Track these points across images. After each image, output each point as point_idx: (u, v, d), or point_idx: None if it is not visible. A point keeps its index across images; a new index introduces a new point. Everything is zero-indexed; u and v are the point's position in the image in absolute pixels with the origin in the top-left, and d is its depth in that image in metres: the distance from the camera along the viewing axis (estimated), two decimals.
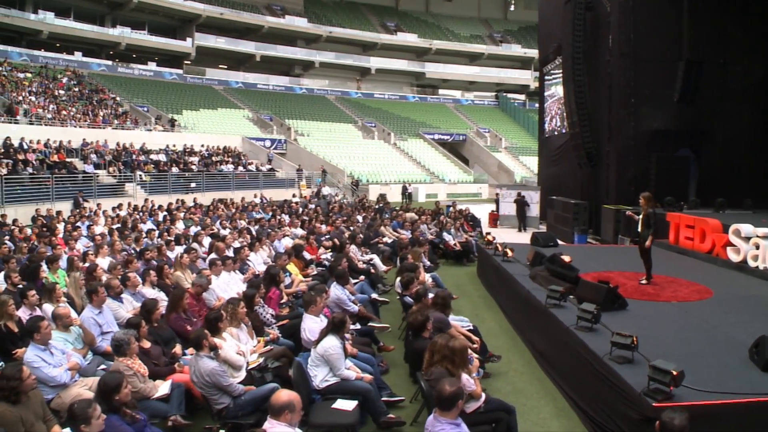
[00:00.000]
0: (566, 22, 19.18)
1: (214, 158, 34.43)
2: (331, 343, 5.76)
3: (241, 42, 50.45)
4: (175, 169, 30.23)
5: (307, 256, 11.77)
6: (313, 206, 24.60)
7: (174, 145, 33.71)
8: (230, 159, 35.48)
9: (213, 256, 10.93)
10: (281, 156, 40.16)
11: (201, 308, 7.88)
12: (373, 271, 11.25)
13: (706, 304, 8.27)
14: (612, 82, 17.81)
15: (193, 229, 15.64)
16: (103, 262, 10.79)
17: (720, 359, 5.80)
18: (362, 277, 10.36)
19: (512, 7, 64.08)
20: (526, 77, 59.98)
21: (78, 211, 19.55)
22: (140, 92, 41.01)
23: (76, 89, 36.10)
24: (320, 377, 5.74)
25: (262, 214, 20.43)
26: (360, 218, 19.83)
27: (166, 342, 6.71)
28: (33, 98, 31.48)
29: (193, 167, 31.52)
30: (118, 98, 38.13)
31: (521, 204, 23.36)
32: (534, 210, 23.87)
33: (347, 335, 7.03)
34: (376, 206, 24.99)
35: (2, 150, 24.01)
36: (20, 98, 30.63)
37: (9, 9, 36.78)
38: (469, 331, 7.11)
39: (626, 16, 17.09)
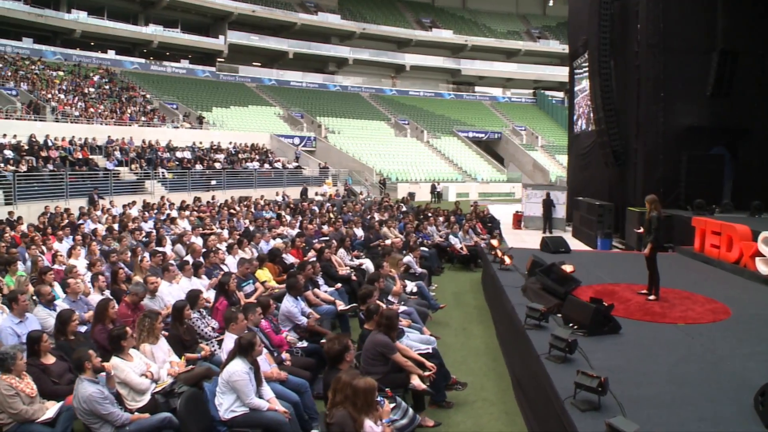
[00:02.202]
0: (593, 12, 17.89)
1: (240, 155, 34.12)
2: (237, 367, 4.98)
3: (273, 39, 50.17)
4: (198, 167, 29.98)
5: (290, 259, 10.98)
6: (331, 204, 23.89)
7: (200, 143, 33.52)
8: (256, 156, 35.11)
9: (188, 258, 10.28)
10: (309, 154, 39.62)
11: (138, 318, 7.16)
12: (354, 278, 10.31)
13: (719, 327, 7.05)
14: (640, 76, 16.45)
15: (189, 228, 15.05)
16: (77, 263, 10.29)
17: (716, 408, 4.65)
18: (339, 285, 9.48)
19: (551, 2, 62.00)
20: (565, 74, 57.51)
21: (88, 208, 19.29)
22: (171, 90, 41.09)
23: (107, 87, 36.32)
24: (225, 406, 4.98)
25: (270, 213, 19.74)
26: (377, 217, 18.90)
27: None
28: (62, 96, 31.70)
29: (217, 165, 31.22)
30: (147, 96, 38.24)
31: (548, 205, 22.09)
32: (560, 211, 22.59)
33: (285, 355, 6.23)
34: (402, 206, 24.00)
35: (26, 147, 24.10)
36: (49, 96, 30.86)
37: (43, 9, 37.32)
38: (427, 355, 6.14)
39: (655, 3, 15.71)
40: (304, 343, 6.82)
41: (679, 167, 15.73)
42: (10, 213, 17.03)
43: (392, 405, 4.64)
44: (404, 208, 23.35)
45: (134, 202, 21.15)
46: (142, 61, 43.48)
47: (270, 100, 47.30)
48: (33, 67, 34.15)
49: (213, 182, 28.79)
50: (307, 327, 7.18)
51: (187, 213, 18.34)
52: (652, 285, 8.45)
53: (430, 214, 19.92)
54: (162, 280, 8.43)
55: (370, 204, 25.35)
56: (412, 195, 38.03)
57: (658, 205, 8.80)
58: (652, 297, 8.32)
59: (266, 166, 34.39)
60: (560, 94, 59.68)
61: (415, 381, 5.57)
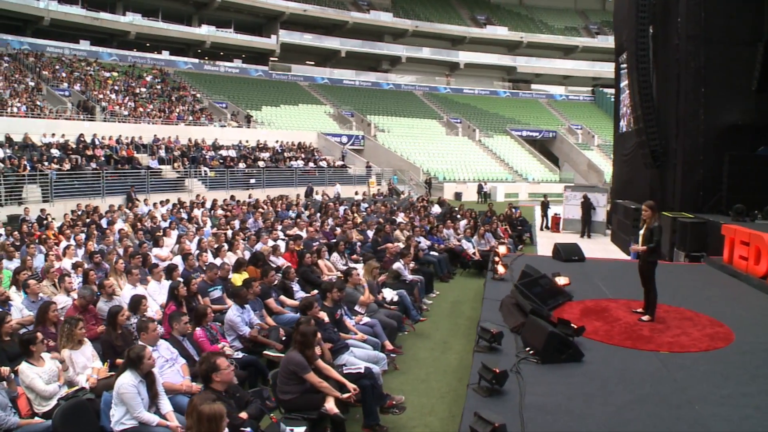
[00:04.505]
0: (632, 2, 16.70)
1: (285, 154, 34.24)
2: (124, 380, 4.72)
3: (325, 38, 50.28)
4: (242, 165, 30.22)
5: (280, 262, 10.62)
6: (367, 205, 23.48)
7: (247, 141, 33.84)
8: (302, 155, 35.16)
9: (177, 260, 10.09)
10: (357, 153, 39.38)
11: (88, 321, 6.96)
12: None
13: (709, 358, 6.10)
14: (680, 71, 15.17)
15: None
16: (67, 263, 10.32)
17: None
18: (315, 291, 9.01)
19: None
20: None
21: (118, 206, 19.65)
22: (222, 89, 41.74)
23: (158, 87, 37.27)
24: (116, 418, 4.75)
25: (294, 213, 19.52)
26: (400, 219, 18.31)
27: (12, 359, 5.86)
28: (113, 96, 32.71)
29: (261, 163, 31.38)
30: (198, 95, 39.01)
31: (587, 207, 20.98)
32: (600, 214, 21.41)
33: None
34: (431, 207, 23.34)
35: (73, 146, 24.93)
36: (101, 96, 31.90)
37: (99, 12, 38.72)
38: (357, 374, 5.59)
39: None
40: (240, 355, 6.41)
41: (720, 169, 14.39)
42: (42, 210, 17.50)
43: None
44: (435, 209, 22.70)
45: (167, 200, 21.39)
46: (196, 61, 44.43)
47: (321, 98, 47.41)
48: (88, 68, 35.41)
49: (252, 181, 28.89)
50: (249, 337, 6.77)
51: (203, 211, 18.35)
52: (647, 303, 7.56)
53: (459, 216, 19.25)
54: (152, 280, 8.53)
55: (404, 204, 24.81)
56: (458, 195, 37.38)
57: (658, 213, 7.85)
58: (645, 317, 7.44)
59: (311, 164, 34.37)
60: None
61: (329, 404, 5.07)
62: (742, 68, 14.11)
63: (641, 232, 7.53)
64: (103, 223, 15.72)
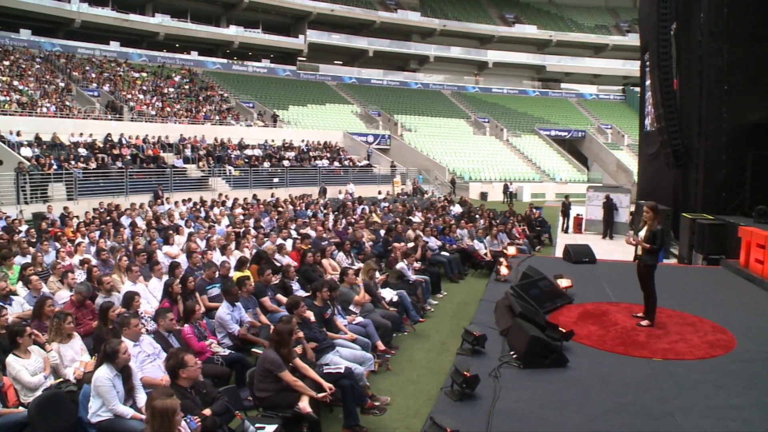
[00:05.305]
0: (653, 0, 16.34)
1: (311, 153, 34.40)
2: (100, 374, 4.84)
3: (353, 38, 50.40)
4: (266, 164, 30.46)
5: (285, 261, 10.65)
6: (386, 204, 23.44)
7: (273, 141, 34.10)
8: (327, 154, 35.29)
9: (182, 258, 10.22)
10: (383, 152, 39.35)
11: (85, 316, 7.11)
12: None
13: (704, 366, 5.89)
14: (702, 68, 14.78)
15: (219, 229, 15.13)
16: (76, 259, 10.53)
17: None
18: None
19: None
20: None
21: (139, 205, 19.96)
22: (249, 89, 42.15)
23: (186, 87, 37.84)
24: (93, 410, 4.87)
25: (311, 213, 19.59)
26: (416, 219, 18.24)
27: (6, 351, 5.96)
28: (141, 96, 33.31)
29: (286, 162, 31.59)
30: (225, 95, 39.48)
31: (609, 208, 20.56)
32: (623, 215, 20.95)
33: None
34: (450, 206, 23.18)
35: (100, 145, 25.45)
36: (129, 96, 32.52)
37: (128, 14, 39.51)
38: (337, 374, 5.56)
39: None
40: (226, 352, 6.44)
41: (744, 169, 14.01)
42: (65, 208, 17.88)
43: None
44: (456, 209, 22.54)
45: (189, 199, 21.66)
46: (224, 61, 44.98)
47: (348, 98, 47.53)
48: (118, 69, 36.14)
49: (275, 180, 29.07)
50: (238, 335, 6.80)
51: (228, 211, 18.54)
52: (647, 308, 7.35)
53: (477, 216, 19.07)
54: (153, 277, 8.59)
55: (425, 203, 24.70)
56: (484, 195, 37.06)
57: (659, 215, 7.62)
58: (644, 322, 7.24)
59: (336, 164, 34.46)
60: None
61: (302, 403, 5.06)
62: (766, 66, 13.65)
63: (642, 233, 7.32)
64: (123, 220, 16.00)
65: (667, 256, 15.13)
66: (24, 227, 14.22)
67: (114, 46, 39.23)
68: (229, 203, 21.52)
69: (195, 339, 6.37)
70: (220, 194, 24.40)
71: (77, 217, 17.44)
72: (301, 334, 5.86)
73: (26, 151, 21.40)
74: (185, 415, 3.88)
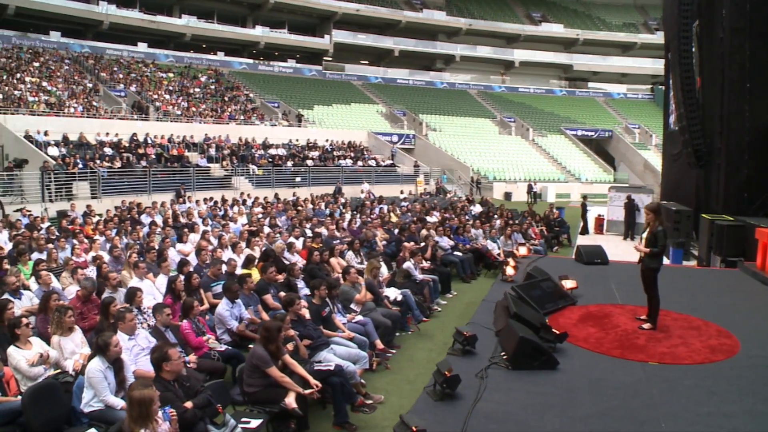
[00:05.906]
0: None
1: (335, 153, 34.56)
2: (93, 366, 5.03)
3: (378, 38, 50.46)
4: (290, 164, 30.68)
5: (294, 259, 10.75)
6: (405, 204, 23.44)
7: (297, 140, 34.34)
8: (351, 154, 35.40)
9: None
10: (407, 152, 39.33)
11: (90, 311, 7.30)
12: None
13: (702, 371, 5.74)
14: (725, 66, 14.46)
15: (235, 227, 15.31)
16: (89, 257, 10.78)
17: None
18: None
19: None
20: None
21: (160, 203, 20.29)
22: (275, 89, 42.50)
23: (212, 87, 38.34)
24: (86, 400, 5.07)
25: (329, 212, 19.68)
26: (433, 218, 18.19)
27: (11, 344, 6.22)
28: (167, 96, 33.86)
29: (309, 162, 31.77)
30: (251, 95, 39.90)
31: (630, 208, 20.22)
32: (644, 216, 20.55)
33: (190, 358, 6.05)
34: (470, 206, 23.06)
35: (125, 145, 25.96)
36: (155, 96, 33.09)
37: (156, 15, 40.22)
38: (327, 371, 5.60)
39: None
40: (222, 347, 6.53)
41: (766, 168, 13.67)
42: (88, 206, 18.28)
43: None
44: (476, 209, 22.41)
45: (211, 198, 21.95)
46: (251, 61, 45.43)
47: (374, 97, 47.60)
48: (145, 69, 36.81)
49: (297, 179, 29.26)
50: (236, 331, 6.90)
51: (245, 210, 18.74)
52: (650, 311, 7.22)
53: (495, 216, 18.95)
54: (161, 274, 8.77)
55: (445, 203, 24.62)
56: (508, 195, 36.78)
57: (661, 216, 7.49)
58: (647, 325, 7.12)
59: (359, 163, 34.54)
60: None
61: (288, 399, 5.12)
62: None
63: (644, 235, 7.20)
64: (143, 218, 16.30)
65: (687, 257, 14.84)
66: (46, 224, 14.61)
67: (141, 47, 39.95)
68: (249, 202, 21.75)
69: (193, 335, 6.49)
70: (242, 193, 24.67)
71: (99, 215, 17.83)
72: (292, 331, 5.92)
73: (53, 151, 21.94)
74: (162, 407, 3.97)
